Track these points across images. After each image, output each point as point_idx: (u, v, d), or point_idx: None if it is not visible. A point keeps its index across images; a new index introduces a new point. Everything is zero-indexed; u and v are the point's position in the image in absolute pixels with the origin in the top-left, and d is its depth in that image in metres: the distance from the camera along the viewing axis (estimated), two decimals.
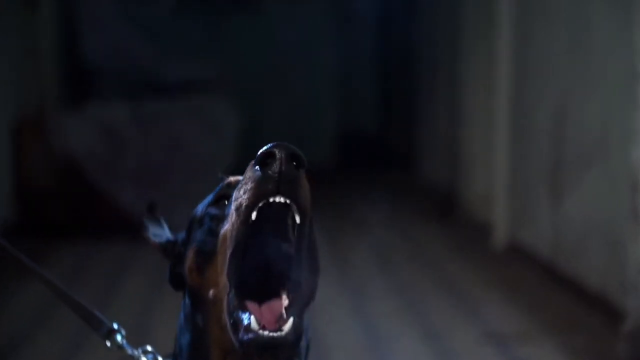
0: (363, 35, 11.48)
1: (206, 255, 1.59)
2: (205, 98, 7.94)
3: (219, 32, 9.92)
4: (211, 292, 1.57)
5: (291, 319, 1.49)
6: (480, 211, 7.28)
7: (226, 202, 1.62)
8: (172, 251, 1.76)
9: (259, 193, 1.46)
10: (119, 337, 1.93)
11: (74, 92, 8.63)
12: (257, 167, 1.47)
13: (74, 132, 7.24)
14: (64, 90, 8.49)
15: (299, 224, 1.49)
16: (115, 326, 1.94)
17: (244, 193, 1.48)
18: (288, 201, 1.46)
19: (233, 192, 1.57)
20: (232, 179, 1.66)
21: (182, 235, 1.74)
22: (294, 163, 1.47)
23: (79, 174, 7.12)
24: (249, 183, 1.48)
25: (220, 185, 1.68)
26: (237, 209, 1.49)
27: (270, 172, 1.46)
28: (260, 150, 1.47)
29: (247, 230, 1.48)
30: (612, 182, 4.92)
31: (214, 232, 1.59)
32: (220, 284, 1.54)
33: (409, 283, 5.82)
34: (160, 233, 1.83)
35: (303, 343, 1.59)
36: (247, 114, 8.46)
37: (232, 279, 1.50)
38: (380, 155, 10.96)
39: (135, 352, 1.90)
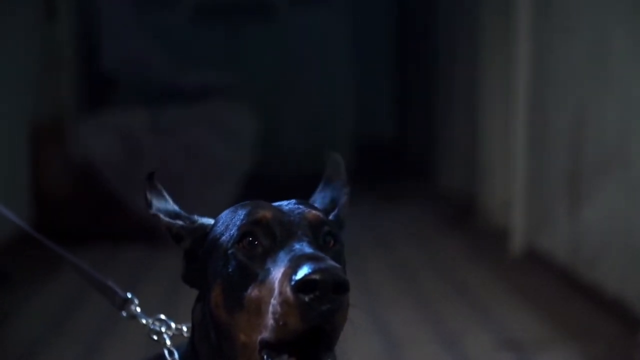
0: (379, 42, 11.49)
1: (235, 303, 1.55)
2: (221, 105, 7.96)
3: (235, 39, 9.93)
4: (242, 337, 1.54)
5: None
6: (498, 218, 7.26)
7: (254, 244, 1.58)
8: (188, 237, 1.72)
9: (301, 320, 1.44)
10: (132, 307, 1.94)
11: (92, 99, 8.68)
12: (297, 291, 1.43)
13: (91, 138, 7.26)
14: (82, 97, 8.52)
15: (329, 342, 1.51)
16: (129, 296, 1.96)
17: (284, 312, 1.45)
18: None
19: (261, 235, 1.56)
20: (259, 214, 1.61)
21: (200, 227, 1.71)
22: (338, 291, 1.46)
23: (96, 180, 7.14)
24: (290, 307, 1.44)
25: (244, 216, 1.62)
26: (276, 321, 1.46)
27: (315, 302, 1.43)
28: (301, 274, 1.43)
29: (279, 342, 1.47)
30: (631, 189, 4.90)
31: (244, 287, 1.54)
32: (251, 338, 1.52)
33: (427, 289, 5.80)
34: (166, 207, 1.79)
35: None
36: (264, 120, 8.47)
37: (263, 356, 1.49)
38: (397, 163, 10.96)
39: (149, 320, 1.90)
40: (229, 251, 1.58)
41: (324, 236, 1.65)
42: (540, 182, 6.38)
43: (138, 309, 1.95)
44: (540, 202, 6.37)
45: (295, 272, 1.44)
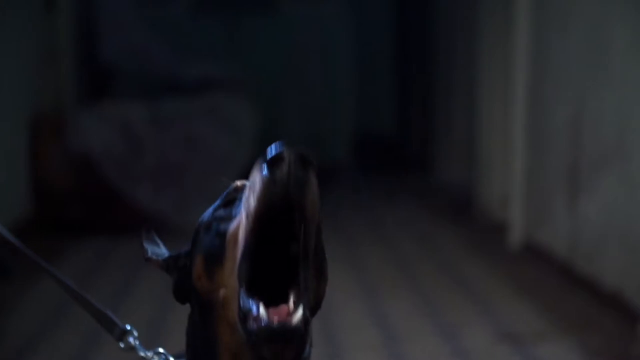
0: (381, 36, 11.49)
1: (215, 258, 1.56)
2: (222, 97, 7.96)
3: (236, 31, 9.92)
4: (221, 291, 1.54)
5: (300, 310, 1.46)
6: (497, 212, 7.27)
7: (231, 206, 1.59)
8: (175, 265, 1.74)
9: (268, 197, 1.43)
10: (131, 339, 1.94)
11: (92, 91, 8.67)
12: (265, 169, 1.44)
13: (91, 130, 7.26)
14: (82, 89, 8.52)
15: (305, 227, 1.46)
16: (128, 327, 1.95)
17: (252, 197, 1.46)
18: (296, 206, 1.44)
19: (241, 195, 1.56)
20: (238, 183, 1.64)
21: (185, 249, 1.72)
22: (303, 164, 1.44)
23: (96, 172, 7.14)
24: (257, 186, 1.45)
25: (228, 190, 1.65)
26: (247, 214, 1.47)
27: (278, 175, 1.43)
28: (268, 152, 1.45)
29: (256, 235, 1.46)
30: (630, 183, 4.91)
31: (222, 235, 1.56)
32: (230, 285, 1.52)
33: (425, 283, 5.81)
34: (160, 252, 1.82)
35: (308, 350, 1.57)
36: (264, 113, 8.47)
37: (242, 279, 1.48)
38: (397, 157, 10.96)
39: (148, 354, 1.90)
40: (211, 218, 1.61)
41: None
42: (539, 176, 6.38)
43: (137, 342, 1.95)
44: (539, 196, 6.38)
45: (263, 160, 1.46)
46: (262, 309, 1.46)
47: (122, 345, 1.94)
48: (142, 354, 1.91)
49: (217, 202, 1.65)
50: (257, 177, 1.45)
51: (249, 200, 1.46)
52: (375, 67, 11.40)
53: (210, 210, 1.65)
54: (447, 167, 9.22)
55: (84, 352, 4.50)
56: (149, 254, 1.81)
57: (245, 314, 1.48)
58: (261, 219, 1.45)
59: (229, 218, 1.57)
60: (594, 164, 5.40)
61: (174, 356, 1.85)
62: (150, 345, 1.92)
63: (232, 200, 1.60)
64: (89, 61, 8.76)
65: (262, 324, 1.45)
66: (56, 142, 7.27)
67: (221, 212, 1.61)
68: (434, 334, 4.79)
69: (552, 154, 6.10)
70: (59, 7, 7.95)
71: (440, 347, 4.59)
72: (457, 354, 4.49)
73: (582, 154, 5.58)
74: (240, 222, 1.50)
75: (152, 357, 1.89)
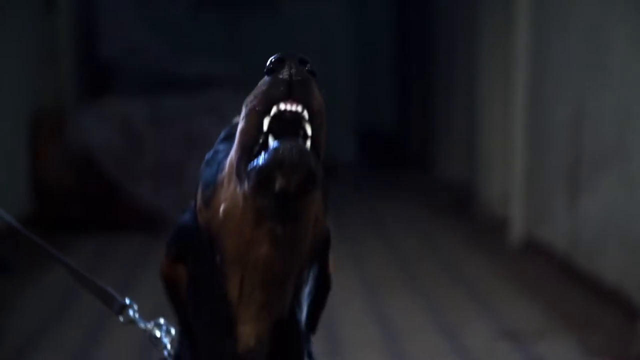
0: (381, 35, 11.49)
1: (213, 185, 1.53)
2: (222, 96, 7.95)
3: (236, 30, 9.93)
4: (222, 207, 1.50)
5: (309, 141, 1.44)
6: (498, 209, 7.27)
7: (228, 144, 1.58)
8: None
9: (271, 96, 1.43)
10: (131, 312, 1.94)
11: (92, 89, 8.67)
12: (268, 73, 1.44)
13: (91, 129, 7.26)
14: (82, 87, 8.52)
15: (313, 127, 1.44)
16: (128, 301, 1.96)
17: (255, 98, 1.45)
18: (300, 107, 1.42)
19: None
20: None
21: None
22: (304, 66, 1.44)
23: (96, 170, 7.14)
24: (259, 88, 1.45)
25: (230, 125, 1.64)
26: (247, 114, 1.45)
27: (280, 75, 1.43)
28: (271, 59, 1.44)
29: (257, 134, 1.44)
30: (630, 181, 4.91)
31: (221, 164, 1.54)
32: (229, 195, 1.49)
33: (426, 280, 5.81)
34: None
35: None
36: None
37: (243, 170, 1.46)
38: (397, 155, 10.97)
39: (149, 325, 1.90)
40: (210, 156, 1.60)
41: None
42: (539, 174, 6.39)
43: (137, 315, 1.95)
44: (539, 193, 6.38)
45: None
46: (270, 139, 1.43)
47: (122, 319, 1.93)
48: (142, 325, 1.91)
49: (220, 137, 1.64)
50: (259, 83, 1.45)
51: (251, 101, 1.46)
52: (376, 67, 11.39)
53: (212, 148, 1.64)
54: (448, 165, 9.22)
55: (85, 348, 4.50)
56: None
57: (249, 170, 1.44)
58: (263, 120, 1.43)
59: (227, 149, 1.55)
60: (594, 162, 5.40)
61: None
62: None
63: (233, 135, 1.56)
64: (89, 60, 8.76)
65: (272, 146, 1.41)
66: (56, 140, 7.27)
67: (222, 146, 1.59)
68: (435, 331, 4.79)
69: (553, 152, 6.10)
70: (59, 5, 7.95)
71: (441, 344, 4.59)
72: (458, 352, 4.50)
73: (583, 152, 5.58)
74: (240, 125, 1.48)
75: (153, 329, 1.89)
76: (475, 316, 5.04)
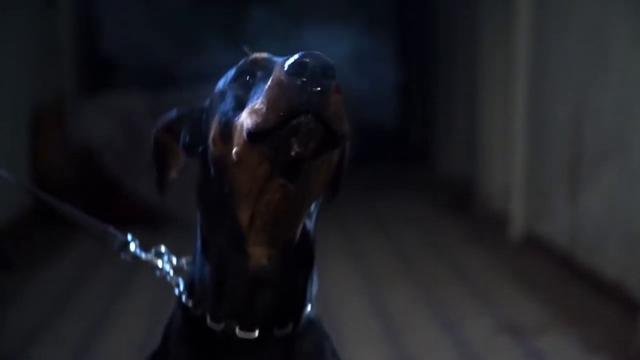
0: (382, 29, 11.48)
1: (229, 128, 1.60)
2: None
3: (236, 22, 9.91)
4: (235, 150, 1.57)
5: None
6: (498, 203, 7.27)
7: (248, 79, 1.63)
8: (190, 118, 1.80)
9: (289, 103, 1.46)
10: (132, 247, 2.00)
11: (92, 83, 8.67)
12: (288, 72, 1.46)
13: (91, 122, 7.26)
14: (82, 82, 8.52)
15: (332, 138, 1.51)
16: (129, 238, 2.01)
17: (275, 94, 1.47)
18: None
19: (257, 71, 1.61)
20: (257, 55, 1.69)
21: (200, 104, 1.79)
22: (325, 73, 1.47)
23: (97, 164, 7.14)
24: (279, 88, 1.47)
25: (244, 60, 1.70)
26: (268, 103, 1.48)
27: (301, 82, 1.45)
28: (293, 59, 1.46)
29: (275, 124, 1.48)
30: (630, 176, 4.91)
31: (236, 108, 1.60)
32: (241, 138, 1.55)
33: (426, 274, 5.82)
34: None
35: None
36: None
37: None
38: (398, 149, 10.97)
39: (149, 256, 1.99)
40: (226, 88, 1.67)
41: None
42: (540, 168, 6.39)
43: (138, 250, 2.01)
44: (540, 188, 6.38)
45: (287, 60, 1.47)
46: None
47: (123, 256, 2.02)
48: (144, 257, 2.01)
49: (233, 71, 1.70)
50: (279, 76, 1.47)
51: (270, 98, 1.48)
52: (377, 60, 11.38)
53: (226, 77, 1.71)
54: (449, 160, 9.22)
55: (86, 342, 4.51)
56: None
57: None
58: (281, 117, 1.47)
59: (244, 93, 1.61)
60: (595, 159, 5.40)
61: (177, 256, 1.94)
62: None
63: (248, 72, 1.64)
64: (90, 55, 8.76)
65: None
66: (57, 134, 7.27)
67: (236, 87, 1.65)
68: (435, 325, 4.80)
69: (553, 148, 6.10)
70: (59, 1, 7.95)
71: (441, 338, 4.59)
72: (458, 346, 4.50)
73: (583, 146, 5.58)
74: (257, 110, 1.51)
75: (153, 259, 1.99)
76: (475, 311, 5.04)
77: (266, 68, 1.62)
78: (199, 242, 1.75)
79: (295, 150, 1.48)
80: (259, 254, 1.65)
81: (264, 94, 1.50)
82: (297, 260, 1.68)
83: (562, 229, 5.87)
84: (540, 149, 6.36)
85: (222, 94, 1.68)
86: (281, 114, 1.46)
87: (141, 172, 7.19)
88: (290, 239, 1.66)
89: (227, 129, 1.60)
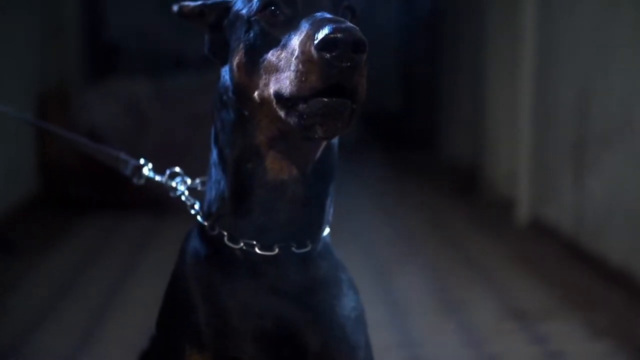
0: (386, 14, 11.45)
1: (255, 64, 1.61)
2: None
3: None
4: (256, 93, 1.60)
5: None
6: (503, 188, 7.26)
7: (275, 11, 1.62)
8: (209, 14, 1.79)
9: (319, 78, 1.48)
10: (146, 170, 2.01)
11: (97, 68, 8.66)
12: (318, 48, 1.48)
13: (96, 107, 7.26)
14: (87, 66, 8.51)
15: (352, 110, 1.54)
16: (142, 161, 2.02)
17: (306, 70, 1.49)
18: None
19: (280, 1, 1.61)
20: None
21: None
22: (356, 49, 1.49)
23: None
24: (309, 64, 1.49)
25: None
26: (298, 77, 1.50)
27: (335, 60, 1.47)
28: (323, 33, 1.47)
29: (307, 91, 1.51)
30: (636, 160, 4.90)
31: (262, 46, 1.61)
32: (266, 91, 1.58)
33: (432, 259, 5.81)
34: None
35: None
36: None
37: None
38: (403, 133, 10.95)
39: (163, 178, 2.00)
40: (252, 19, 1.65)
41: (344, 10, 1.68)
42: (545, 152, 6.37)
43: (151, 173, 2.02)
44: (545, 173, 6.37)
45: (317, 32, 1.48)
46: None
47: (136, 180, 2.05)
48: (158, 179, 2.03)
49: None
50: (312, 50, 1.49)
51: (299, 67, 1.49)
52: (381, 45, 11.36)
53: (249, 2, 1.68)
54: (453, 143, 9.21)
55: (90, 328, 4.51)
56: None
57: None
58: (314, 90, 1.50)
59: (271, 30, 1.61)
60: (600, 141, 5.38)
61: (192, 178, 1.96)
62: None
63: (272, 3, 1.62)
64: (95, 38, 8.75)
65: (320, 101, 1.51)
66: (62, 118, 7.26)
67: (262, 17, 1.63)
68: (440, 310, 4.80)
69: (558, 132, 6.09)
70: None
71: (446, 323, 4.59)
72: (463, 331, 4.49)
73: (588, 130, 5.57)
74: (284, 78, 1.53)
75: (167, 180, 2.01)
76: (481, 296, 5.04)
77: (293, 4, 1.62)
78: (214, 154, 1.75)
79: (318, 134, 1.52)
80: (277, 169, 1.66)
81: (293, 65, 1.51)
82: (318, 176, 1.70)
83: (568, 213, 5.86)
84: (546, 132, 6.34)
85: (248, 21, 1.66)
86: (310, 87, 1.49)
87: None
88: (310, 158, 1.68)
89: (252, 65, 1.62)
